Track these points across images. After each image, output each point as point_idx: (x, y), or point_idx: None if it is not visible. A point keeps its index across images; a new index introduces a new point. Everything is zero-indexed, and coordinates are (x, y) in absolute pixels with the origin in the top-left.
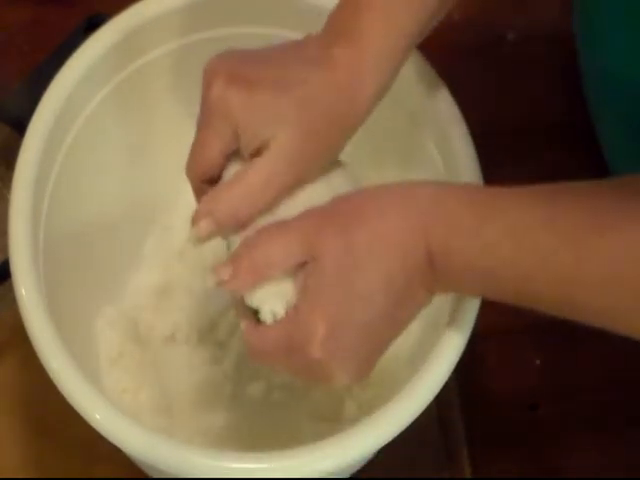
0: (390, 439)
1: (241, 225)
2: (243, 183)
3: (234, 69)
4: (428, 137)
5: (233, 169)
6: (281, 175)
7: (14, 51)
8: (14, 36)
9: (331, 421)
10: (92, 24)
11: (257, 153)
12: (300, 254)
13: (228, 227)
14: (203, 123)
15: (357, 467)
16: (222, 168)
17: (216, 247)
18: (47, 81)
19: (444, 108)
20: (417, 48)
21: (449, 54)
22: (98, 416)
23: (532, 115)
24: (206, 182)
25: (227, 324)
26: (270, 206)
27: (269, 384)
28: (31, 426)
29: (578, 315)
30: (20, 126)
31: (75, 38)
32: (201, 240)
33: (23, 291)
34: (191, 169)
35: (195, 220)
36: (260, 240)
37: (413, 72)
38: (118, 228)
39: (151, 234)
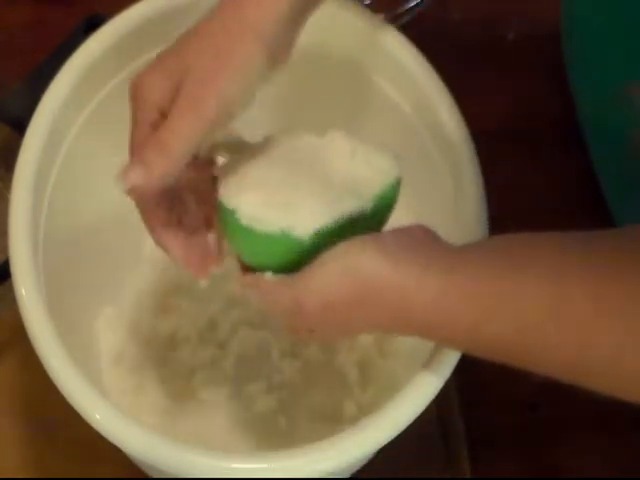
0: (390, 439)
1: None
2: (171, 122)
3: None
4: (427, 136)
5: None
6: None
7: (14, 51)
8: (14, 36)
9: (331, 421)
10: (92, 24)
11: None
12: (300, 324)
13: (159, 172)
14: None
15: (357, 467)
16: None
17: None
18: (47, 81)
19: (443, 108)
20: (417, 48)
21: (449, 54)
22: (98, 416)
23: (532, 115)
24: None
25: (227, 324)
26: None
27: (269, 384)
28: (31, 426)
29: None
30: (20, 126)
31: (75, 38)
32: (132, 191)
33: (23, 291)
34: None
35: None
36: (268, 289)
37: (413, 72)
38: (118, 228)
39: None
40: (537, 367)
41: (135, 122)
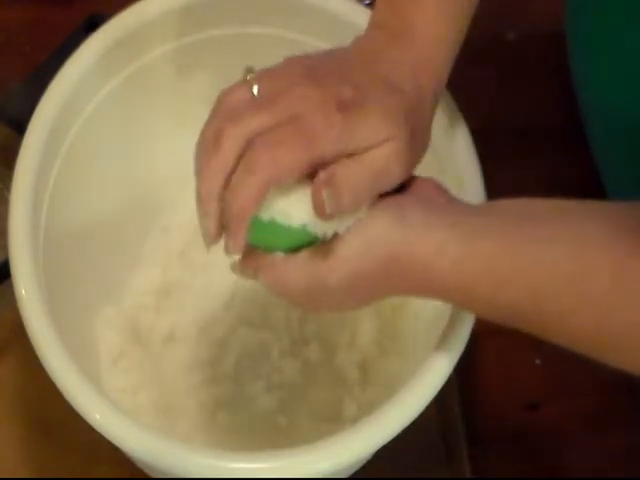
0: (390, 439)
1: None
2: (365, 163)
3: (339, 93)
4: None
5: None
6: (397, 165)
7: (14, 51)
8: (14, 36)
9: (331, 421)
10: (92, 24)
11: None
12: (319, 301)
13: (345, 208)
14: (297, 133)
15: (357, 467)
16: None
17: (216, 246)
18: (47, 81)
19: (443, 108)
20: None
21: None
22: (98, 416)
23: (532, 115)
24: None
25: (227, 324)
26: (374, 198)
27: (269, 384)
28: (31, 426)
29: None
30: (20, 126)
31: (75, 38)
32: (325, 219)
33: (23, 291)
34: (268, 165)
35: (316, 189)
36: (282, 269)
37: None
38: (118, 228)
39: (151, 234)
40: (553, 337)
41: (305, 147)
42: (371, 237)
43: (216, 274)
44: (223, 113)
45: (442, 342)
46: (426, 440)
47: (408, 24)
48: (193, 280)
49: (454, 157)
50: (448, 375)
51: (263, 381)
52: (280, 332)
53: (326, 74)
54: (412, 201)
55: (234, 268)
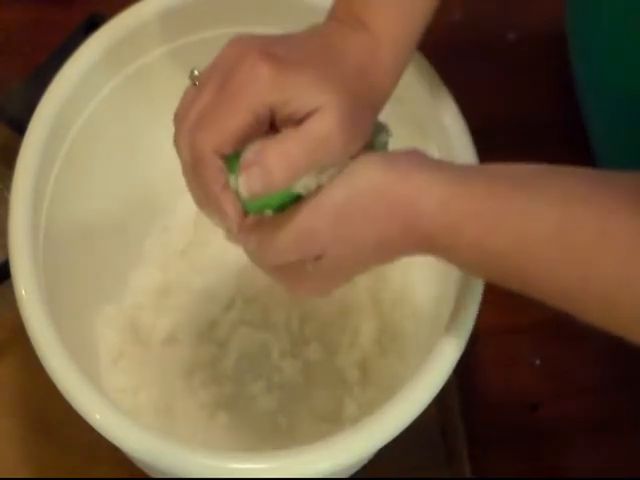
0: (390, 439)
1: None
2: (301, 137)
3: (266, 46)
4: (427, 136)
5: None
6: (337, 135)
7: (14, 51)
8: (14, 36)
9: (331, 421)
10: (92, 24)
11: (299, 122)
12: (310, 252)
13: (280, 184)
14: (226, 95)
15: (357, 467)
16: (237, 146)
17: (216, 247)
18: (47, 81)
19: (444, 106)
20: (417, 48)
21: (449, 54)
22: (98, 416)
23: (532, 115)
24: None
25: (227, 324)
26: (321, 167)
27: (269, 384)
28: (31, 426)
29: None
30: (20, 126)
31: (75, 38)
32: (253, 197)
33: (23, 291)
34: (208, 140)
35: (245, 167)
36: (270, 228)
37: (414, 72)
38: (118, 228)
39: (151, 234)
40: (537, 290)
41: (239, 100)
42: (355, 179)
43: (216, 274)
44: (177, 119)
45: (442, 342)
46: (426, 440)
47: (358, 19)
48: (193, 280)
49: (453, 158)
50: (448, 375)
51: (263, 381)
52: (280, 332)
53: (264, 42)
54: (398, 153)
55: (228, 236)
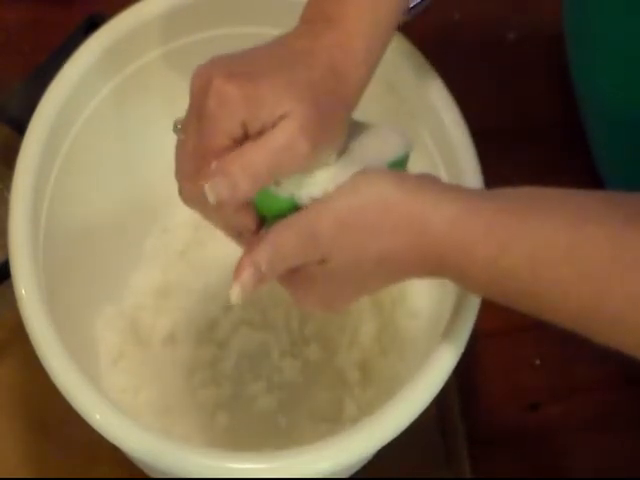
0: (390, 439)
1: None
2: (260, 146)
3: (228, 68)
4: (424, 128)
5: None
6: (299, 142)
7: (14, 51)
8: (14, 36)
9: (331, 421)
10: (92, 24)
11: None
12: (312, 255)
13: (244, 193)
14: (206, 119)
15: (357, 467)
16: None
17: (216, 247)
18: (47, 81)
19: (439, 99)
20: (417, 47)
21: (449, 54)
22: (98, 416)
23: (532, 115)
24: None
25: (227, 324)
26: (287, 173)
27: (269, 384)
28: (31, 426)
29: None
30: (20, 126)
31: (75, 38)
32: (220, 204)
33: (23, 291)
34: (186, 165)
35: (210, 176)
36: (273, 234)
37: (409, 65)
38: (118, 228)
39: (151, 234)
40: (550, 311)
41: (213, 127)
42: (364, 191)
43: (216, 274)
44: (176, 176)
45: (442, 342)
46: (426, 440)
47: (330, 17)
48: (193, 280)
49: (453, 158)
50: (448, 375)
51: (263, 381)
52: (280, 332)
53: (225, 64)
54: (409, 174)
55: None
